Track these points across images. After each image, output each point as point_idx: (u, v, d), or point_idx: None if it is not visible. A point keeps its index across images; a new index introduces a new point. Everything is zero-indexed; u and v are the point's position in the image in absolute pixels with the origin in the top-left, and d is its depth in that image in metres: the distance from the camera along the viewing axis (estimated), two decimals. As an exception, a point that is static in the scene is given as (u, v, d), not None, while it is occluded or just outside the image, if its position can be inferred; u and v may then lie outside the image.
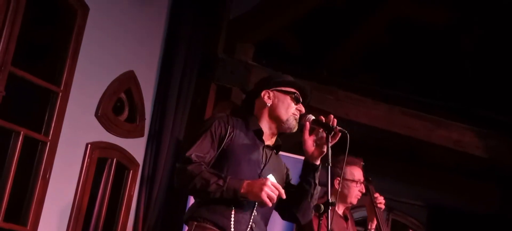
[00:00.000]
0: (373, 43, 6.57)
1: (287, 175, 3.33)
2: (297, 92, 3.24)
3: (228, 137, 3.06)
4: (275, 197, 2.89)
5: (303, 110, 3.21)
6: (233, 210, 2.96)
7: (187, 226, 3.03)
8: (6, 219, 4.23)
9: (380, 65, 6.84)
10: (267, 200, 2.86)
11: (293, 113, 3.19)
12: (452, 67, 6.53)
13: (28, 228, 4.34)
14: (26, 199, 4.40)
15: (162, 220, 5.30)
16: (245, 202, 2.97)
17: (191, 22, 5.55)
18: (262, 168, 3.10)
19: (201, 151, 3.00)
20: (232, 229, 2.94)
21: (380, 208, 4.35)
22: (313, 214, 3.22)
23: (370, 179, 4.40)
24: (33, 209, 4.37)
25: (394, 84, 6.73)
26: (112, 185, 5.05)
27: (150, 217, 5.19)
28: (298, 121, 3.19)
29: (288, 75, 3.30)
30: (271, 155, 3.20)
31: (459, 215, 8.22)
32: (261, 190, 2.85)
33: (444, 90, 6.80)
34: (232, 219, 2.95)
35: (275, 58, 6.30)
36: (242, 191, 2.88)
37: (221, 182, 2.89)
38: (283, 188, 3.01)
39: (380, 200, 4.37)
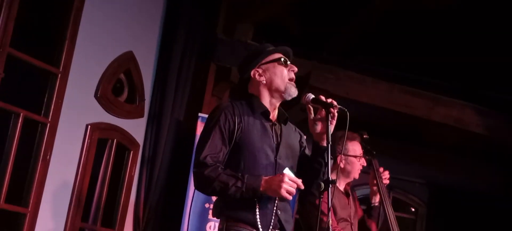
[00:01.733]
0: (373, 22, 6.54)
1: (301, 142, 3.32)
2: (281, 55, 3.21)
3: (237, 129, 3.05)
4: (294, 191, 2.92)
5: (296, 69, 3.21)
6: (257, 204, 2.99)
7: (219, 221, 3.08)
8: (8, 201, 4.25)
9: (380, 44, 6.81)
10: (287, 195, 2.90)
11: (289, 79, 3.18)
12: (452, 45, 6.50)
13: (29, 209, 4.36)
14: (27, 180, 4.42)
15: (163, 200, 5.32)
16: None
17: (190, 3, 5.54)
18: (276, 151, 3.11)
19: (214, 150, 3.00)
20: (259, 222, 2.97)
21: (384, 184, 4.34)
22: None
23: (374, 153, 4.39)
24: (34, 190, 4.38)
25: (394, 64, 6.71)
26: (113, 166, 5.06)
27: (151, 197, 5.21)
28: (295, 85, 3.19)
29: (266, 44, 3.28)
30: (281, 129, 3.20)
31: (460, 193, 8.25)
32: (280, 187, 2.88)
33: (444, 69, 6.78)
34: (257, 212, 2.98)
35: (274, 38, 6.27)
36: (261, 189, 2.92)
37: (239, 184, 2.91)
38: (299, 158, 3.11)
39: (385, 175, 4.36)
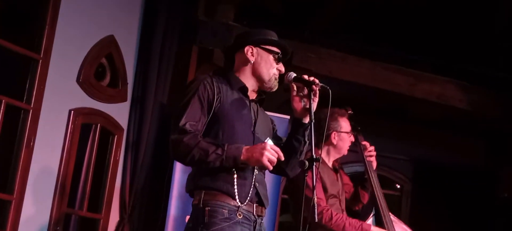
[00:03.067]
0: (354, 1, 6.55)
1: (273, 127, 3.35)
2: (279, 52, 3.23)
3: (216, 99, 3.05)
4: (275, 160, 2.91)
5: (283, 70, 3.21)
6: (235, 175, 2.98)
7: (194, 195, 3.04)
8: (-8, 188, 4.24)
9: (362, 23, 6.82)
10: (268, 164, 2.89)
11: (274, 74, 3.19)
12: (433, 22, 6.52)
13: (14, 196, 4.35)
14: (11, 168, 4.40)
15: (149, 184, 5.32)
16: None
17: (170, -15, 5.51)
18: (254, 125, 3.13)
19: (193, 119, 2.98)
20: (236, 194, 2.97)
21: (371, 161, 4.35)
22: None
23: (359, 128, 4.40)
24: (18, 177, 4.37)
25: (376, 41, 6.73)
26: (97, 151, 5.05)
27: (137, 181, 5.20)
28: (278, 80, 3.21)
29: (272, 32, 3.27)
30: (257, 109, 3.22)
31: (445, 169, 8.30)
32: (262, 154, 2.87)
33: (426, 46, 6.81)
34: (235, 183, 2.98)
35: (256, 18, 6.27)
36: (242, 158, 2.90)
37: (220, 151, 2.89)
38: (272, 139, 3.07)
39: (370, 151, 4.36)
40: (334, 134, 4.20)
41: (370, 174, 4.28)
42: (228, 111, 3.06)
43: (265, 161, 2.87)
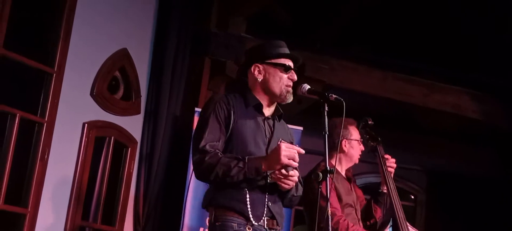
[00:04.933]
0: (366, 10, 6.55)
1: (291, 141, 3.31)
2: (286, 63, 3.19)
3: (232, 119, 3.07)
4: (295, 155, 2.92)
5: (295, 78, 3.20)
6: (248, 193, 3.00)
7: (208, 211, 3.08)
8: (7, 201, 4.27)
9: (373, 33, 6.82)
10: (289, 161, 2.90)
11: (286, 85, 3.17)
12: (445, 32, 6.51)
13: (29, 209, 4.37)
14: (25, 181, 4.43)
15: (162, 196, 5.33)
16: (259, 182, 3.01)
17: (182, -3, 5.54)
18: (268, 143, 3.13)
19: (213, 139, 3.02)
20: (249, 212, 2.99)
21: (390, 172, 4.32)
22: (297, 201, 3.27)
23: (379, 139, 4.39)
24: (33, 190, 4.40)
25: (387, 52, 6.73)
26: (111, 163, 5.07)
27: (151, 193, 5.22)
28: (292, 92, 3.20)
29: (280, 42, 3.26)
30: (274, 124, 3.22)
31: (459, 179, 8.25)
32: (279, 155, 2.88)
33: (438, 56, 6.80)
34: (248, 201, 2.99)
35: (268, 30, 6.29)
36: (263, 167, 2.93)
37: (241, 164, 2.92)
38: None
39: (391, 162, 4.34)
40: (345, 141, 4.19)
41: (389, 185, 4.24)
42: (242, 132, 3.08)
43: (285, 160, 2.88)
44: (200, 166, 2.98)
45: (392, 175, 4.31)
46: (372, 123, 4.34)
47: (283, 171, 2.92)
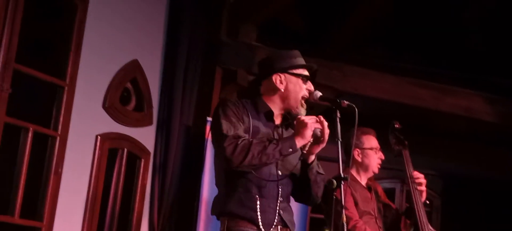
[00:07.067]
0: (377, 15, 6.53)
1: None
2: (307, 74, 3.20)
3: (246, 120, 3.07)
4: (317, 120, 2.95)
5: (312, 88, 3.19)
6: (258, 200, 2.99)
7: (219, 220, 3.05)
8: (22, 215, 4.27)
9: (385, 37, 6.80)
10: (317, 124, 2.94)
11: (303, 96, 3.16)
12: (457, 34, 6.48)
13: (44, 223, 4.37)
14: (40, 194, 4.43)
15: (177, 206, 5.32)
16: (269, 190, 3.01)
17: (192, 7, 5.54)
18: None
19: (235, 129, 2.98)
20: (260, 220, 2.97)
21: (421, 190, 4.20)
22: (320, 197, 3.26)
23: (406, 143, 4.29)
24: (47, 204, 4.40)
25: (399, 56, 6.70)
26: (125, 175, 5.06)
27: (165, 204, 5.21)
28: (305, 106, 3.19)
29: (296, 52, 3.26)
30: (282, 133, 3.20)
31: (474, 183, 8.21)
32: (306, 124, 2.93)
33: (450, 59, 6.76)
34: (258, 209, 2.98)
35: (278, 38, 6.28)
36: (295, 140, 2.94)
37: (275, 142, 2.93)
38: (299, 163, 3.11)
39: (419, 179, 4.20)
40: (357, 151, 4.17)
41: (413, 194, 4.17)
42: (256, 135, 3.06)
43: (312, 125, 2.92)
44: (234, 151, 2.87)
45: (423, 194, 4.23)
46: (399, 126, 4.31)
47: (317, 132, 2.95)
